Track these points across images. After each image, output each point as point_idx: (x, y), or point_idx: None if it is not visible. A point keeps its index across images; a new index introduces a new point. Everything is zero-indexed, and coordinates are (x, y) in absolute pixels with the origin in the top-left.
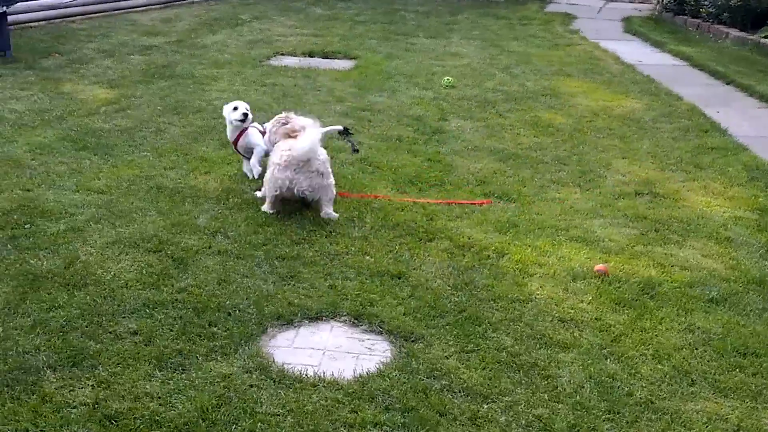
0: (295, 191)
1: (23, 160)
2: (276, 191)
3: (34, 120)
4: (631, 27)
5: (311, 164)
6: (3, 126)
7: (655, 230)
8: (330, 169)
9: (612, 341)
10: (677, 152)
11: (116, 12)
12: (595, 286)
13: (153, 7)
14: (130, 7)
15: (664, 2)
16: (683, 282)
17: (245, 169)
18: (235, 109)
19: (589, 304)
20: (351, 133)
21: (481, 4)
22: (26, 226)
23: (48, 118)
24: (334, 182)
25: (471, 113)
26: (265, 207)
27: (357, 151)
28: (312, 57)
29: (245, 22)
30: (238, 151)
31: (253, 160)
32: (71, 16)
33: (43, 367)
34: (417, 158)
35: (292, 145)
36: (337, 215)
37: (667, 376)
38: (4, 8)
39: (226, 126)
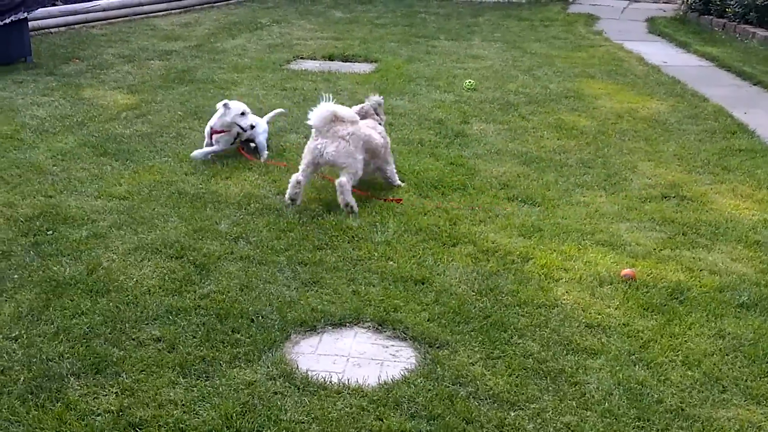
0: (324, 156)
1: (45, 166)
2: (309, 157)
3: (56, 126)
4: (656, 27)
5: (337, 130)
6: (25, 132)
7: (682, 234)
8: (360, 146)
9: (641, 347)
10: (704, 154)
11: (136, 17)
12: (623, 291)
13: (172, 11)
14: (150, 12)
15: (689, 2)
16: (713, 286)
17: (201, 152)
18: (243, 114)
19: (616, 309)
20: None
21: (503, 5)
22: (49, 233)
23: (69, 124)
24: (361, 161)
25: (493, 116)
26: (293, 178)
27: None
28: (332, 60)
29: (265, 26)
30: (211, 138)
31: (205, 150)
32: (91, 21)
33: (66, 375)
34: (439, 162)
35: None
36: (349, 200)
37: (698, 383)
38: (25, 14)
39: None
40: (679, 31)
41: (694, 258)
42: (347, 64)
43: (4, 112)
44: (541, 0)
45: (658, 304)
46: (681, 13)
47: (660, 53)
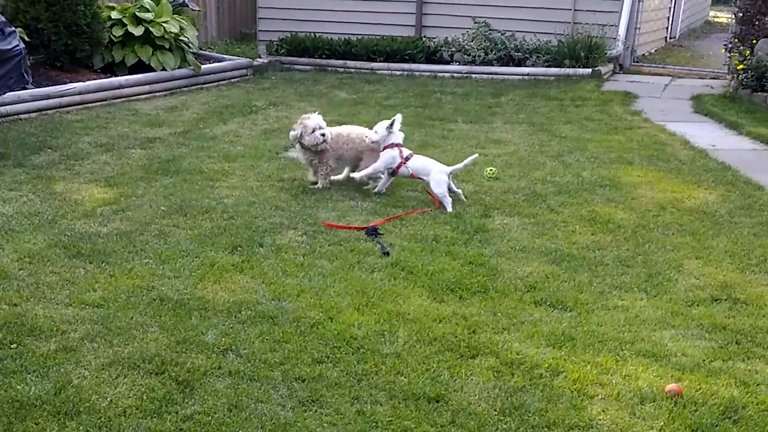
0: None
1: (10, 270)
2: None
3: (23, 224)
4: (702, 106)
5: None
6: None
7: (736, 343)
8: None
9: None
10: (760, 251)
11: (116, 101)
12: (668, 409)
13: (157, 94)
14: (131, 95)
15: (740, 78)
16: None
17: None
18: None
19: (660, 430)
20: (380, 234)
21: (528, 83)
22: (12, 346)
23: (38, 222)
24: None
25: (518, 208)
26: None
27: (387, 254)
28: None
29: (260, 109)
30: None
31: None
32: (66, 106)
33: None
34: (456, 261)
35: None
36: None
37: None
38: None
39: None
40: (729, 111)
41: (749, 371)
42: None
43: None
44: (571, 77)
45: (709, 425)
46: (731, 90)
47: (707, 135)
